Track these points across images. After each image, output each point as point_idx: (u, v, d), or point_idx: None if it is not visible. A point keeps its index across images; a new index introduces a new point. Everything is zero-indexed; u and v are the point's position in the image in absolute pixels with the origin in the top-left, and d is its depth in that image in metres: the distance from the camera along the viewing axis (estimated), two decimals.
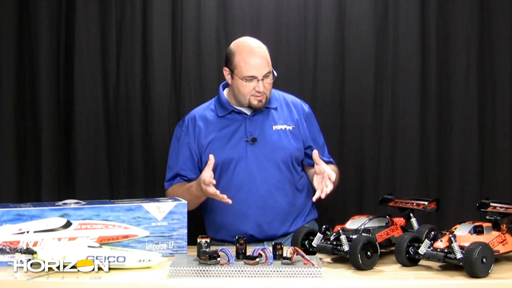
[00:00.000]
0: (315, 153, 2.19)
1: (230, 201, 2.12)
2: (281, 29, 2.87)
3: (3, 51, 2.83)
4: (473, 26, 2.84)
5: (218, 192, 2.10)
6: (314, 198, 2.15)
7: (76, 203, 1.97)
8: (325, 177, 2.13)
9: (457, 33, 2.85)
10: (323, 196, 2.13)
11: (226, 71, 2.32)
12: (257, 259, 1.72)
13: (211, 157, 2.16)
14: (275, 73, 2.29)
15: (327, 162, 2.32)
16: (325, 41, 2.87)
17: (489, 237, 1.81)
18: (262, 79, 2.23)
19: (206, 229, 2.37)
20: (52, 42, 2.84)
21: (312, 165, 2.30)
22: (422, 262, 1.81)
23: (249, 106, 2.29)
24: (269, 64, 2.26)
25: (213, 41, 2.85)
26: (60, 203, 1.97)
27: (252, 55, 2.24)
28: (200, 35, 2.86)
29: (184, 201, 2.02)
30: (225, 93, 2.38)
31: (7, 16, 2.83)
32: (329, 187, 2.12)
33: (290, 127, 2.33)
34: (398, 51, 2.86)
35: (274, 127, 2.32)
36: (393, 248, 1.86)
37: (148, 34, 2.86)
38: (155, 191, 2.76)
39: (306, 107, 2.42)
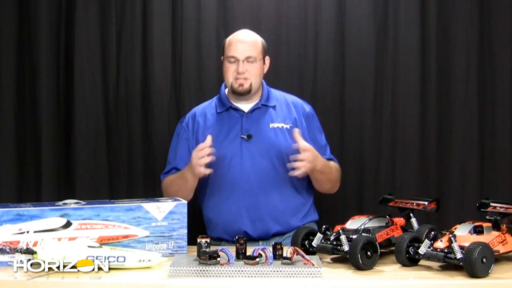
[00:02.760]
0: (296, 131, 2.23)
1: (208, 171, 2.19)
2: (281, 29, 2.87)
3: (3, 51, 2.84)
4: (473, 26, 2.84)
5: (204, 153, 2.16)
6: (291, 173, 2.20)
7: (76, 203, 1.97)
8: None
9: (457, 33, 2.85)
10: (296, 173, 2.19)
11: (222, 60, 2.37)
12: (257, 259, 1.71)
13: (209, 137, 2.20)
14: (266, 63, 2.36)
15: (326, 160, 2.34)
16: (325, 41, 2.87)
17: (489, 237, 1.80)
18: (243, 61, 2.27)
19: (206, 228, 2.38)
20: (52, 42, 2.84)
21: None
22: (422, 262, 1.81)
23: (234, 92, 2.31)
24: (254, 50, 2.30)
25: (213, 41, 2.85)
26: (60, 203, 1.97)
27: (237, 37, 2.33)
28: (200, 35, 2.87)
29: (184, 201, 2.02)
30: (226, 91, 2.39)
31: (7, 16, 2.84)
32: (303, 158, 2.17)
33: (288, 126, 2.33)
34: (398, 51, 2.86)
35: (271, 125, 2.32)
36: (393, 248, 1.86)
37: (148, 34, 2.87)
38: (155, 191, 2.76)
39: (307, 107, 2.42)
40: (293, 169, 2.21)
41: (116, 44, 2.86)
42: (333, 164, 2.38)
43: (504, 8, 2.84)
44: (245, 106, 2.34)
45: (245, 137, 2.29)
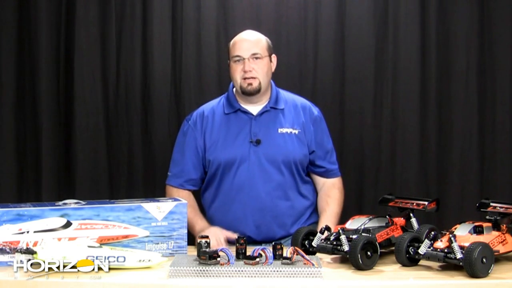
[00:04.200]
0: None
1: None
2: (281, 29, 2.87)
3: (3, 51, 2.84)
4: (473, 26, 2.85)
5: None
6: None
7: (76, 203, 1.97)
8: None
9: (457, 33, 2.86)
10: None
11: (228, 64, 2.34)
12: (257, 259, 1.71)
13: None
14: (273, 61, 2.32)
15: (327, 171, 2.37)
16: (325, 41, 2.87)
17: (489, 237, 1.80)
18: (249, 59, 2.25)
19: None
20: (52, 42, 2.85)
21: (314, 173, 2.36)
22: (422, 262, 1.81)
23: (243, 92, 2.28)
24: (259, 47, 2.28)
25: (213, 41, 2.86)
26: (60, 203, 1.97)
27: (240, 37, 2.31)
28: (200, 35, 2.87)
29: (184, 201, 2.02)
30: (234, 90, 2.36)
31: (7, 16, 2.84)
32: None
33: (296, 131, 2.31)
34: (398, 51, 2.86)
35: (280, 130, 2.29)
36: (393, 248, 1.85)
37: (148, 34, 2.87)
38: (155, 191, 2.76)
39: (315, 110, 2.39)
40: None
41: (116, 44, 2.86)
42: (336, 204, 2.38)
43: (504, 8, 2.85)
44: (254, 108, 2.31)
45: (254, 142, 2.27)
